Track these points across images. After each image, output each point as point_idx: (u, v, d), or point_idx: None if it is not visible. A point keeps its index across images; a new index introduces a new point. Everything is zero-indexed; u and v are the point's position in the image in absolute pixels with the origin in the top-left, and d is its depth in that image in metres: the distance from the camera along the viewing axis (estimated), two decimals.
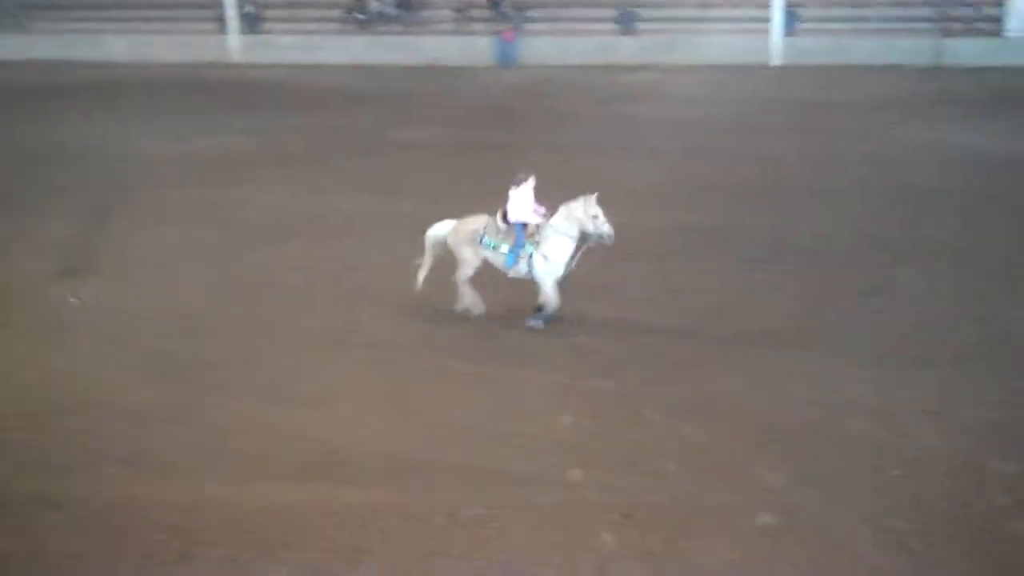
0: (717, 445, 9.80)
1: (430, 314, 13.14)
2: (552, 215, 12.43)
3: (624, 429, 10.13)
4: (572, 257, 12.46)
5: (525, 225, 12.47)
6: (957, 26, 35.39)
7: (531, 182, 12.45)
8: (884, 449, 9.71)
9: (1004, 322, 12.77)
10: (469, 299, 12.91)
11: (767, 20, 37.17)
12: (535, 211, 12.49)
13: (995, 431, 10.01)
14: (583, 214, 12.17)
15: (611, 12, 39.80)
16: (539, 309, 12.62)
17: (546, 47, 39.13)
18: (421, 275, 13.10)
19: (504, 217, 12.54)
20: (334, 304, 13.82)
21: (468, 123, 28.06)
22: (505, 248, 12.51)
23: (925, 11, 36.06)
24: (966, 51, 34.39)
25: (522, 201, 12.44)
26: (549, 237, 12.35)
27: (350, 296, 14.07)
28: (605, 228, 12.16)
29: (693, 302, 13.56)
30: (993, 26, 35.37)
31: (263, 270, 15.35)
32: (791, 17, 37.13)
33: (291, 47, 41.64)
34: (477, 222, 12.76)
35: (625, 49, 38.72)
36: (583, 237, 12.35)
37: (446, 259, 13.04)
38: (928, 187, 19.57)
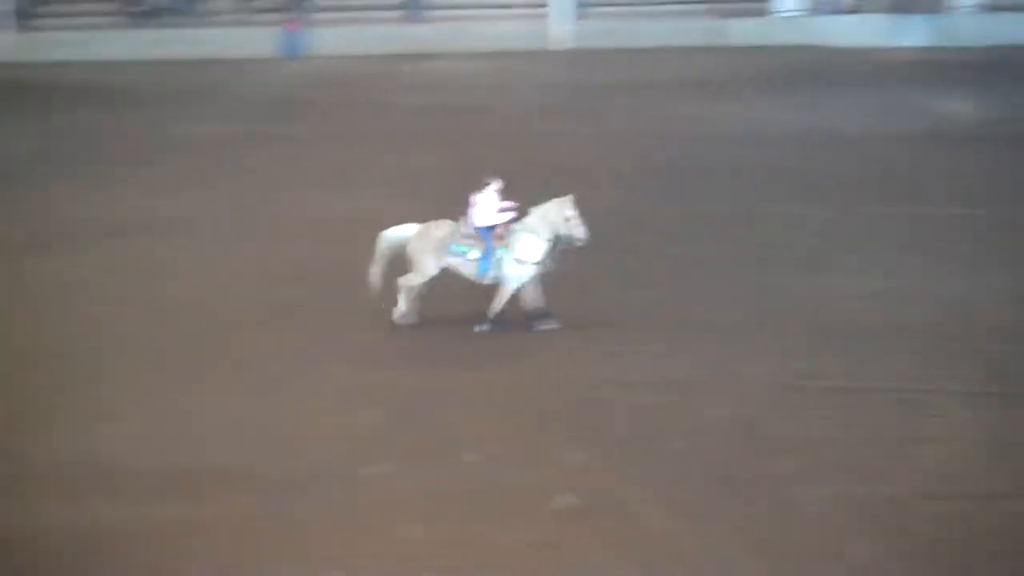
0: (515, 430, 9.94)
1: (212, 319, 12.90)
2: (521, 215, 12.15)
3: (423, 421, 10.17)
4: (546, 257, 12.15)
5: (491, 229, 12.10)
6: (732, 7, 36.65)
7: (496, 186, 12.15)
8: (675, 421, 10.06)
9: (779, 291, 13.38)
10: (406, 309, 12.40)
11: (556, 5, 37.70)
12: (502, 210, 12.16)
13: (776, 397, 10.50)
14: (557, 216, 11.97)
15: (397, 0, 39.65)
16: (539, 315, 12.22)
17: (332, 37, 38.58)
18: (375, 278, 12.51)
19: (470, 222, 12.21)
20: (108, 311, 13.32)
21: (257, 117, 27.46)
22: (475, 254, 12.10)
23: None
24: (743, 30, 35.68)
25: (487, 205, 12.12)
26: (521, 239, 12.04)
27: (128, 302, 13.58)
28: (578, 231, 11.97)
29: (487, 291, 13.65)
30: (765, 6, 36.80)
31: (31, 279, 14.64)
32: (577, 2, 37.78)
33: (66, 43, 39.75)
34: (443, 228, 12.29)
35: (414, 37, 38.63)
36: (555, 239, 12.09)
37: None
38: (712, 164, 20.27)
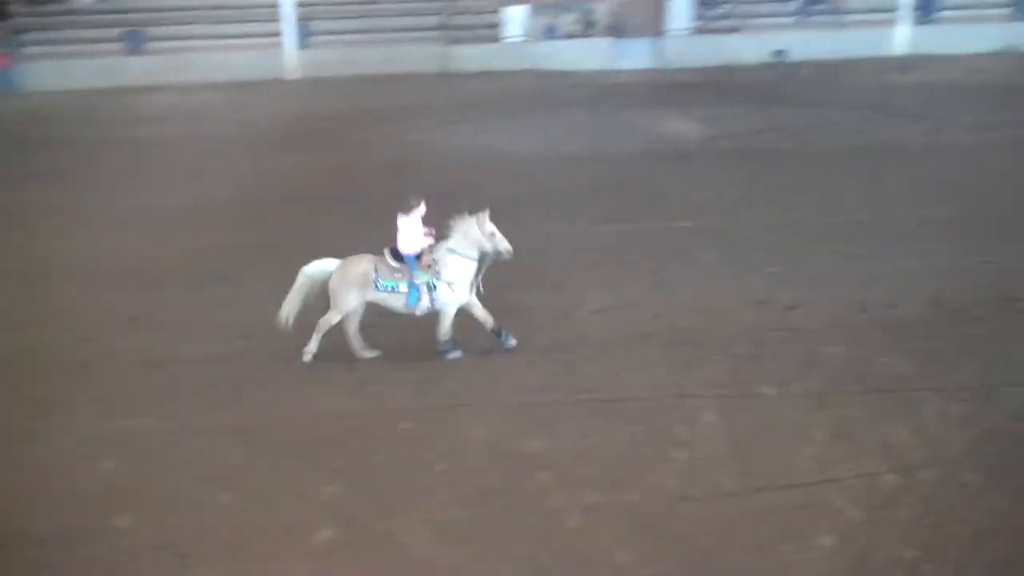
0: (268, 467, 9.66)
1: None
2: (441, 239, 11.85)
3: (170, 465, 9.73)
4: (476, 277, 11.95)
5: (418, 256, 11.75)
6: (461, 33, 37.23)
7: (421, 209, 11.77)
8: (431, 445, 10.02)
9: (525, 309, 13.56)
10: (315, 349, 12.02)
11: (280, 34, 37.26)
12: (424, 235, 11.84)
13: (531, 414, 10.63)
14: (479, 233, 11.78)
15: (116, 32, 38.18)
16: (448, 341, 12.04)
17: (48, 72, 36.83)
18: (291, 315, 11.98)
19: (394, 253, 11.79)
20: None
21: None
22: (403, 287, 11.74)
23: (431, 20, 37.60)
24: (470, 56, 36.31)
25: (411, 229, 11.73)
26: (449, 262, 11.76)
27: None
28: (503, 244, 11.81)
29: (230, 325, 13.26)
30: (493, 32, 37.59)
31: None
32: (304, 30, 37.46)
33: None
34: (364, 263, 11.85)
35: (135, 70, 37.29)
36: (482, 256, 11.85)
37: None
38: (447, 189, 20.33)
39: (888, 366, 11.54)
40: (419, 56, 36.69)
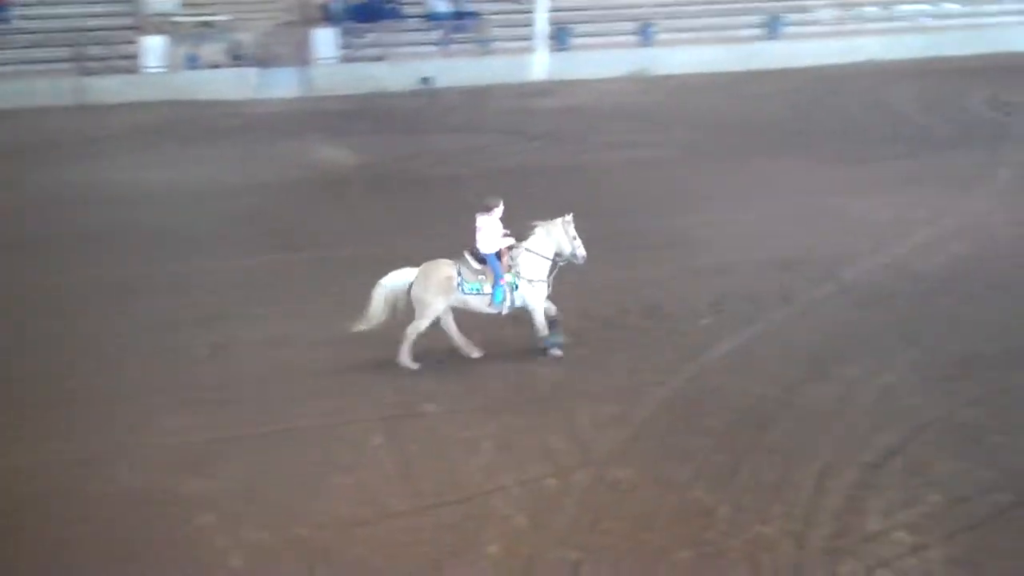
0: None
1: None
2: (519, 239, 12.15)
3: None
4: (549, 276, 12.27)
5: (499, 255, 11.92)
6: (96, 65, 35.54)
7: (500, 209, 11.89)
8: (81, 497, 9.52)
9: (179, 349, 13.04)
10: (407, 353, 12.07)
11: None
12: (503, 236, 12.02)
13: (191, 454, 10.26)
14: (563, 235, 12.09)
15: None
16: (549, 335, 12.33)
17: None
18: (365, 325, 12.02)
19: (474, 253, 11.93)
20: None
21: None
22: (488, 287, 11.91)
23: (63, 52, 35.68)
24: (107, 88, 34.73)
25: (491, 229, 11.88)
26: (527, 261, 12.07)
27: None
28: (581, 250, 12.16)
29: None
30: (131, 63, 36.15)
31: None
32: None
33: None
34: (446, 268, 11.95)
35: None
36: (556, 257, 12.22)
37: None
38: (91, 228, 19.22)
39: (545, 376, 11.98)
40: (51, 89, 34.62)
